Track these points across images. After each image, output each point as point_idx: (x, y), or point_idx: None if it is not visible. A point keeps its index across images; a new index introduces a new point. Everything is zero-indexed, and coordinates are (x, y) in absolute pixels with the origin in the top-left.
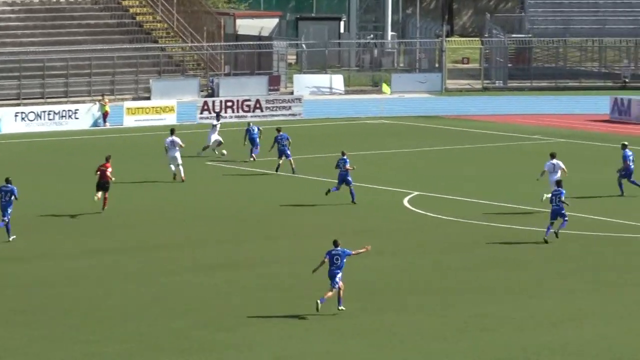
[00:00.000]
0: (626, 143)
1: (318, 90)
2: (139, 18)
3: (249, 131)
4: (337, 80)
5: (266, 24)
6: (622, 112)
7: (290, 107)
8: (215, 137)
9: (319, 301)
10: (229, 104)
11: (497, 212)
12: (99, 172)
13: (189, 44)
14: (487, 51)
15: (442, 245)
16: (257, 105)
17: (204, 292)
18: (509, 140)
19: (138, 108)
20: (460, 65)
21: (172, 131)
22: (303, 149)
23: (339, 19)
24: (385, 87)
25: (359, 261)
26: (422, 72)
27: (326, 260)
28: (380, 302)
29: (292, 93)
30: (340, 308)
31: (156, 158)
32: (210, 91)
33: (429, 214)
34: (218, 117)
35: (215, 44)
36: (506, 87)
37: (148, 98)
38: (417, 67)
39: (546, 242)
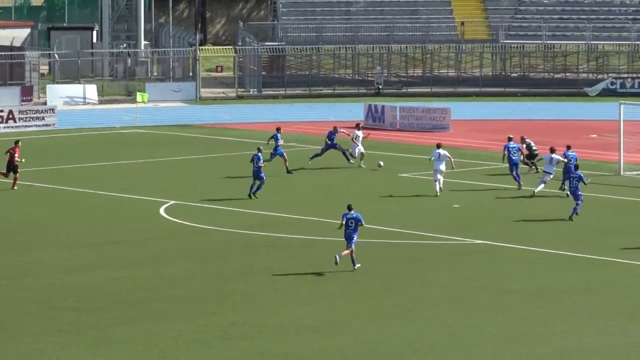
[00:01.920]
0: (511, 136)
1: (72, 101)
2: None
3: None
4: (91, 90)
5: (18, 34)
6: (376, 119)
7: (43, 118)
8: (359, 149)
9: (337, 256)
10: None
11: (254, 221)
12: (8, 155)
13: None
14: (241, 59)
15: (200, 254)
16: (10, 116)
17: None
18: (265, 148)
19: None
20: (214, 74)
21: None
22: (58, 159)
23: (92, 29)
24: (139, 97)
25: (116, 272)
26: (176, 81)
27: (343, 222)
28: (139, 311)
29: (45, 103)
30: (357, 266)
31: None
32: None
33: (186, 222)
34: (358, 126)
35: None
36: (261, 95)
37: None
38: (171, 76)
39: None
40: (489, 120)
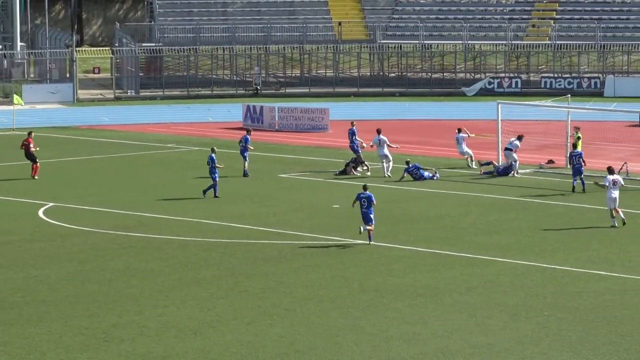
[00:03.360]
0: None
1: None
2: None
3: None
4: None
5: None
6: (254, 119)
7: None
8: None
9: (361, 227)
10: None
11: (133, 222)
12: (23, 147)
13: None
14: (118, 61)
15: (80, 256)
16: None
17: None
18: (143, 150)
19: None
20: (91, 75)
21: None
22: None
23: None
24: (16, 99)
25: None
26: (53, 82)
27: (356, 201)
28: (19, 314)
29: None
30: (371, 243)
31: None
32: None
33: (65, 224)
34: (520, 139)
35: None
36: (138, 96)
37: None
38: (48, 77)
39: (574, 190)
40: (368, 120)
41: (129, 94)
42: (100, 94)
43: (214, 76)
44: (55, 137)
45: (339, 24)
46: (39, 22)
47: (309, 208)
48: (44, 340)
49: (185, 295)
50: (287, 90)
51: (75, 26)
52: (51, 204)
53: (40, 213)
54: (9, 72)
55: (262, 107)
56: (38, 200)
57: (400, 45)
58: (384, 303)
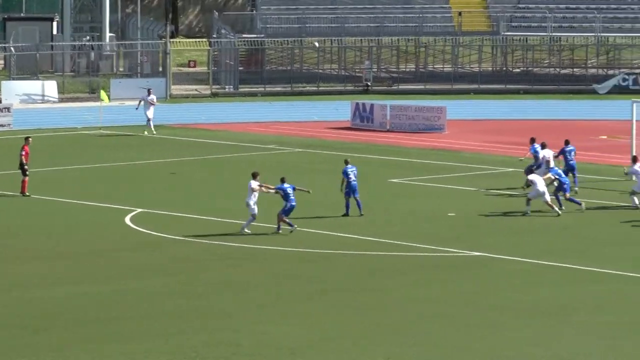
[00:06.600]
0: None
1: (29, 98)
2: None
3: None
4: (50, 87)
5: None
6: (364, 118)
7: None
8: None
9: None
10: None
11: (229, 230)
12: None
13: None
14: (216, 53)
15: (169, 267)
16: None
17: None
18: (241, 151)
19: None
20: (186, 69)
21: None
22: (14, 163)
23: (52, 20)
24: (103, 95)
25: (76, 287)
26: (144, 77)
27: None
28: (104, 331)
29: (0, 102)
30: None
31: None
32: None
33: (153, 232)
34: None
35: None
36: (237, 92)
37: None
38: (138, 71)
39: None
40: (489, 120)
41: (226, 89)
42: (196, 90)
43: (320, 71)
44: (145, 137)
45: (459, 14)
46: (130, 10)
47: (422, 217)
48: None
49: (285, 311)
50: (400, 87)
51: (170, 15)
52: (139, 210)
53: (127, 220)
54: (96, 66)
55: (372, 105)
56: (125, 206)
57: (526, 38)
58: (495, 320)
